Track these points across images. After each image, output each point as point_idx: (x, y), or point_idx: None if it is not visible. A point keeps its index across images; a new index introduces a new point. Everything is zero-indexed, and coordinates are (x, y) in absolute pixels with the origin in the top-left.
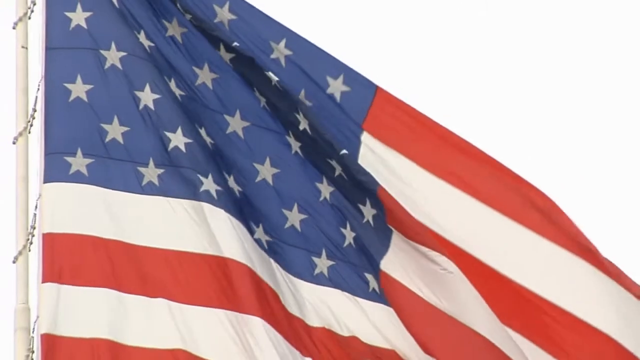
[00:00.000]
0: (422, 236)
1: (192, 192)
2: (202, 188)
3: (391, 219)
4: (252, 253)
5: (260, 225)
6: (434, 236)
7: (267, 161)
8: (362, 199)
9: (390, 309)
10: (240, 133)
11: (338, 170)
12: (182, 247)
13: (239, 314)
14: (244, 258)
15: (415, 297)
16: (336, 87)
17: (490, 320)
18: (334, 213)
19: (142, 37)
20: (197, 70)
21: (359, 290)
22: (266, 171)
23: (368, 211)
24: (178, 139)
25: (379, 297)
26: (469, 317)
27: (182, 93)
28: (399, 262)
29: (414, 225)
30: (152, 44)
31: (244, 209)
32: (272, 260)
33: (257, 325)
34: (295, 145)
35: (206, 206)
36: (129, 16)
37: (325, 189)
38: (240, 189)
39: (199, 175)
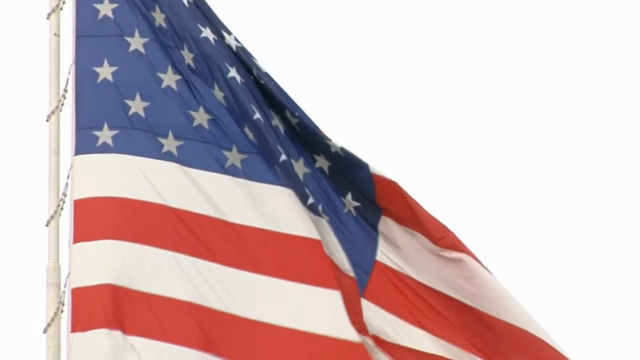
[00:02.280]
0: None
1: (215, 166)
2: (228, 163)
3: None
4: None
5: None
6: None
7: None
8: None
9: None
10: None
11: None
12: (188, 207)
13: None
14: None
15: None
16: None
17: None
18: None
19: (157, 14)
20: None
21: None
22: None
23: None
24: (200, 117)
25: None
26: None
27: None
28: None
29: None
30: (164, 16)
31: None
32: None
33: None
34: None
35: (230, 179)
36: (150, 2)
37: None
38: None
39: (223, 151)
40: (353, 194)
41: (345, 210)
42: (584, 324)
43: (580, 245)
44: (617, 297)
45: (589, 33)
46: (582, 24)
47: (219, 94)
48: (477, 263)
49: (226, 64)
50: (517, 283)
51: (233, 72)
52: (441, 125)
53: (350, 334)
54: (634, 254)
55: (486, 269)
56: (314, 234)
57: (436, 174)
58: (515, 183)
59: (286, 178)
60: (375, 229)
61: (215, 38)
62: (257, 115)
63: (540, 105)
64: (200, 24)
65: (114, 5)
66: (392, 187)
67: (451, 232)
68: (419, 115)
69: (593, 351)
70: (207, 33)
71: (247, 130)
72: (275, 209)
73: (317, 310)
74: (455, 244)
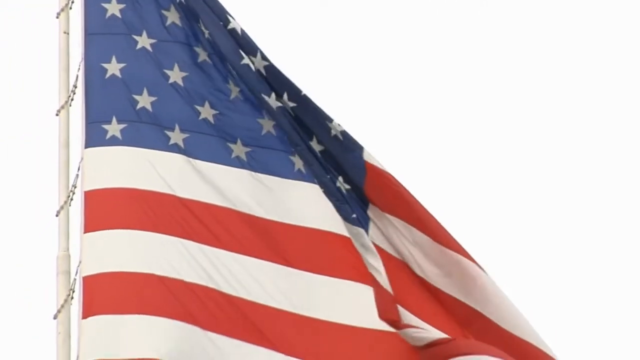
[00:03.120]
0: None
1: (222, 159)
2: (233, 154)
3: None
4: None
5: None
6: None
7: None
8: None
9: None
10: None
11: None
12: (195, 196)
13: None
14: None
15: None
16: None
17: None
18: None
19: (171, 12)
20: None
21: None
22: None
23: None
24: (207, 112)
25: None
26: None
27: (209, 62)
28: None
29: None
30: (181, 15)
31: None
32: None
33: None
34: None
35: (235, 170)
36: (158, 1)
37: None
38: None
39: (227, 143)
40: (344, 177)
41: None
42: (583, 324)
43: (580, 245)
44: (617, 297)
45: (589, 33)
46: (582, 24)
47: (234, 89)
48: (476, 267)
49: (239, 55)
50: (517, 282)
51: (246, 60)
52: (441, 125)
53: (383, 325)
54: (633, 254)
55: (484, 271)
56: (331, 228)
57: (436, 173)
58: (515, 183)
59: (305, 171)
60: (365, 213)
61: (232, 30)
62: (278, 104)
63: (540, 105)
64: (221, 19)
65: (122, 6)
66: (385, 179)
67: (450, 236)
68: (419, 115)
69: (593, 351)
70: (223, 30)
71: (263, 121)
72: (282, 201)
73: (348, 303)
74: (453, 246)
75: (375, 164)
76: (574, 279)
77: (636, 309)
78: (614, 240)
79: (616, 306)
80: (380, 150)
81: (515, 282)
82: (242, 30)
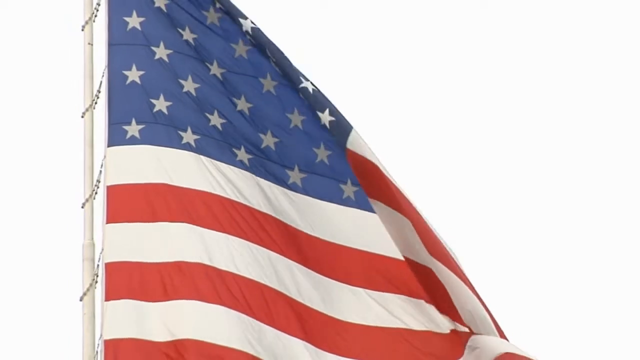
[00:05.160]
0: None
1: (227, 159)
2: (237, 158)
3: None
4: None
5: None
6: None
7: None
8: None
9: None
10: (273, 90)
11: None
12: (206, 189)
13: (261, 246)
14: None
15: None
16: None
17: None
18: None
19: (186, 32)
20: (234, 45)
21: None
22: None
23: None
24: (215, 120)
25: None
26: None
27: (223, 70)
28: None
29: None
30: (195, 36)
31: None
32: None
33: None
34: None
35: (237, 170)
36: (176, 16)
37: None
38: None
39: (234, 149)
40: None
41: (318, 160)
42: (582, 323)
43: (580, 245)
44: (616, 297)
45: (589, 33)
46: (582, 24)
47: (244, 105)
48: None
49: (258, 76)
50: (516, 282)
51: (267, 83)
52: (441, 125)
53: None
54: (633, 254)
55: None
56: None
57: (436, 173)
58: (514, 182)
59: (355, 197)
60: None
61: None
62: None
63: (540, 105)
64: (234, 41)
65: (142, 19)
66: (368, 165)
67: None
68: (419, 115)
69: (592, 351)
70: (241, 48)
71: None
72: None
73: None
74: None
75: (357, 153)
76: (574, 278)
77: (636, 309)
78: (614, 240)
79: (616, 306)
80: (379, 150)
81: (515, 282)
82: (290, 63)
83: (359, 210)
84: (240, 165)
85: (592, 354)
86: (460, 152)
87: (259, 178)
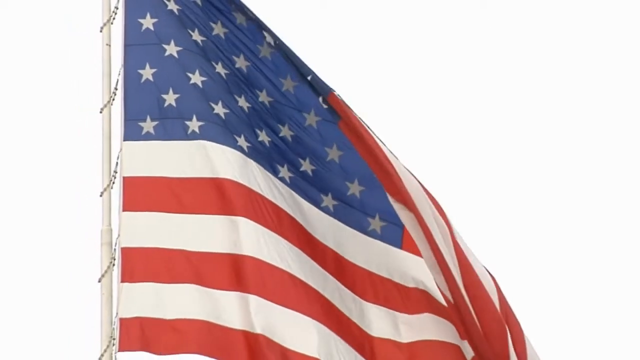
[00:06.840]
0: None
1: (229, 142)
2: (238, 143)
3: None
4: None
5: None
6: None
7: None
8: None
9: None
10: (292, 89)
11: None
12: (212, 174)
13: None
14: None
15: None
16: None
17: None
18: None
19: (195, 34)
20: (235, 58)
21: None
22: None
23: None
24: (219, 109)
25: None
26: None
27: (227, 72)
28: None
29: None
30: (204, 39)
31: (269, 157)
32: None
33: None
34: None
35: (237, 153)
36: (186, 19)
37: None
38: (269, 139)
39: (234, 135)
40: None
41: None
42: (583, 323)
43: (579, 245)
44: (615, 297)
45: (589, 33)
46: (582, 24)
47: (265, 98)
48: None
49: (279, 76)
50: (517, 282)
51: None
52: (441, 125)
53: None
54: (633, 254)
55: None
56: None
57: (435, 173)
58: (514, 182)
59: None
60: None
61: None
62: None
63: (541, 105)
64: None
65: (155, 20)
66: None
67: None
68: (419, 115)
69: (592, 350)
70: (265, 50)
71: (285, 128)
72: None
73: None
74: (408, 203)
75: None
76: (574, 278)
77: (636, 309)
78: (614, 240)
79: (616, 306)
80: None
81: (515, 282)
82: (313, 76)
83: (382, 243)
84: (240, 150)
85: (592, 353)
86: (460, 152)
87: (256, 164)
